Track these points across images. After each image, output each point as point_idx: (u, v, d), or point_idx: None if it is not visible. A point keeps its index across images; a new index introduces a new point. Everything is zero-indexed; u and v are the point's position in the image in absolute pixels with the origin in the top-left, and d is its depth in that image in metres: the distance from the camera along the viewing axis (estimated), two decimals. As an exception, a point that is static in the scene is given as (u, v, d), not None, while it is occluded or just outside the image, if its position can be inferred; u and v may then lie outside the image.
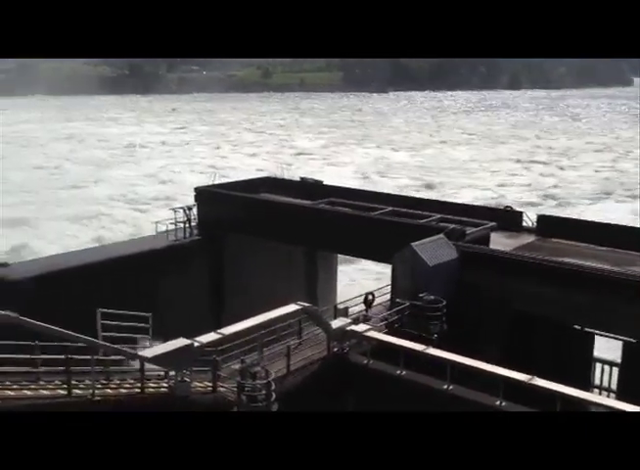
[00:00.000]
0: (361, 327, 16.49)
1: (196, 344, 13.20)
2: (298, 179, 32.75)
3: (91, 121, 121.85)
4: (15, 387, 11.50)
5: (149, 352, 12.67)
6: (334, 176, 60.55)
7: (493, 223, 23.37)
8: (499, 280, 19.44)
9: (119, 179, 68.45)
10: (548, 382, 13.45)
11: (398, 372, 15.47)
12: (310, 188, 30.15)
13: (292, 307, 15.36)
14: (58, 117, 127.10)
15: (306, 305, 15.70)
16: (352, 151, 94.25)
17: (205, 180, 33.91)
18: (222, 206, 27.77)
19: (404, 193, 42.53)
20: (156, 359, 12.65)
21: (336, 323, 16.34)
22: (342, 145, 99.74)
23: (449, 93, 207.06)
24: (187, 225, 27.51)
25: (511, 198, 59.61)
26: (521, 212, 25.80)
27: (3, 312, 10.56)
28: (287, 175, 33.48)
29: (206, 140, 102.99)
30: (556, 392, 13.12)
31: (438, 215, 24.40)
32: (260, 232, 26.49)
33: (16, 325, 10.73)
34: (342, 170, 76.15)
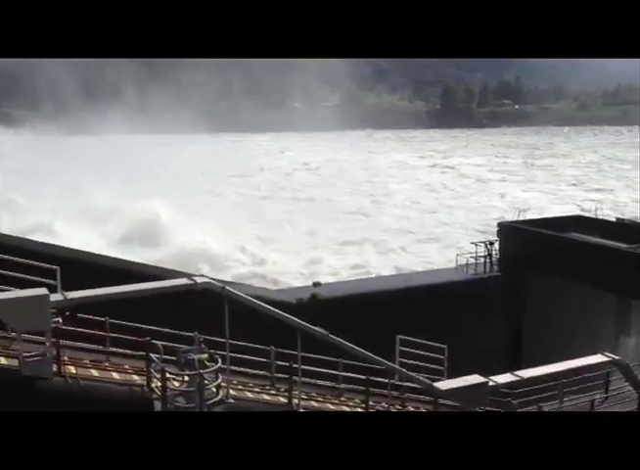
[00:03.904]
0: (682, 391, 14.48)
1: (491, 383, 12.84)
2: (614, 220, 30.38)
3: (422, 153, 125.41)
4: (320, 399, 12.42)
5: (443, 385, 12.66)
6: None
7: None
8: None
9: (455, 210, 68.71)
10: None
11: None
12: (627, 230, 27.66)
13: (598, 358, 14.12)
14: (387, 148, 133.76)
15: (616, 357, 14.31)
16: None
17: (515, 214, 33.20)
18: (527, 243, 26.93)
19: None
20: (449, 393, 12.59)
21: (650, 382, 14.63)
22: None
23: None
24: (487, 260, 27.31)
25: None
26: None
27: (315, 328, 11.47)
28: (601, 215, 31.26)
29: (530, 174, 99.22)
30: None
31: None
32: (568, 274, 25.09)
33: (324, 342, 11.57)
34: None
